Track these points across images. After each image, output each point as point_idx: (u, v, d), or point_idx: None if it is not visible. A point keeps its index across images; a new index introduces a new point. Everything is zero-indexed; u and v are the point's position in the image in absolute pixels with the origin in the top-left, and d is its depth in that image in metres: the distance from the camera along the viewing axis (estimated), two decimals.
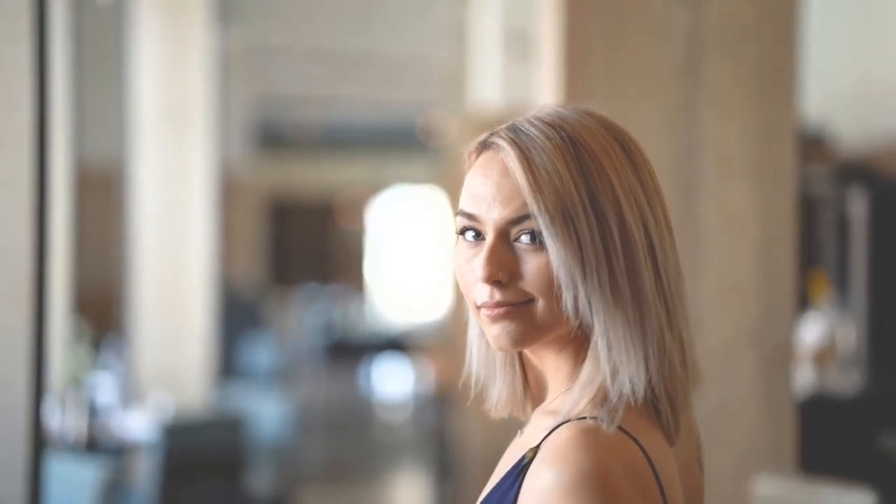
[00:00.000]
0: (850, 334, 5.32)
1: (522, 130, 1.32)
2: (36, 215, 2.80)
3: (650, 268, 1.27)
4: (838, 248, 5.90)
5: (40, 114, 2.79)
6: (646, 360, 1.25)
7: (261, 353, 10.21)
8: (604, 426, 1.20)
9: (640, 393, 1.23)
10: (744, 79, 3.16)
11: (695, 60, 3.16)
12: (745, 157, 3.15)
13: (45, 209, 2.95)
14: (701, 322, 3.06)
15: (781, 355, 3.14)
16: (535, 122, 1.32)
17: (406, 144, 18.33)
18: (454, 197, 10.69)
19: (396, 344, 13.91)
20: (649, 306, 1.26)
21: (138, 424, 5.82)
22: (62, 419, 5.69)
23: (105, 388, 6.13)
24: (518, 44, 6.54)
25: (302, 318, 15.55)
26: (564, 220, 1.25)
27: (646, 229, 1.28)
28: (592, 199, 1.26)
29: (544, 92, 3.61)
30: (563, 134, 1.29)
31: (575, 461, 1.16)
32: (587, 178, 1.26)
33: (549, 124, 1.31)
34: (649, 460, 1.20)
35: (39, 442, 2.98)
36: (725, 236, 3.16)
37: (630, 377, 1.24)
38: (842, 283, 5.79)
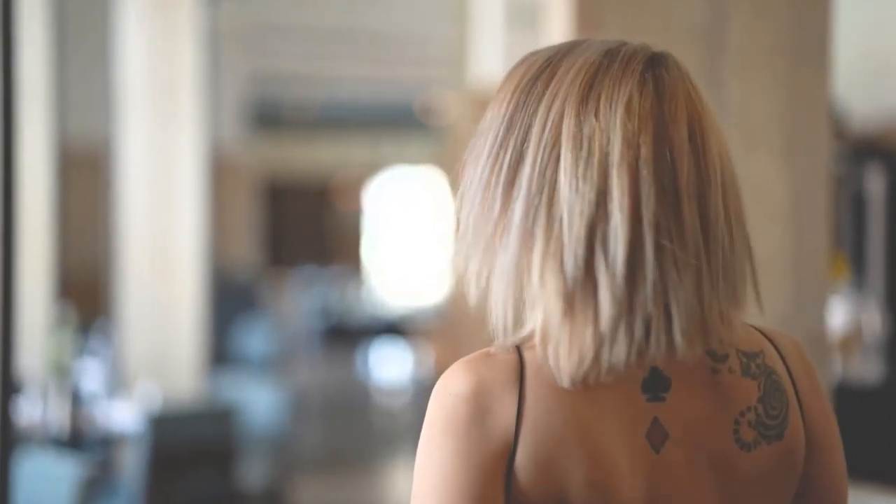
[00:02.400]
0: (874, 319, 5.09)
1: None
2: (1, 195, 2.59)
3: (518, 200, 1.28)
4: (855, 229, 5.72)
5: (5, 88, 2.59)
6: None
7: (256, 339, 10.05)
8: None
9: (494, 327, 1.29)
10: (772, 42, 2.91)
11: (718, 21, 2.91)
12: (773, 127, 2.90)
13: (11, 188, 2.75)
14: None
15: (815, 343, 2.89)
16: None
17: (404, 124, 18.22)
18: (454, 177, 10.47)
19: (395, 328, 13.80)
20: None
21: (125, 415, 5.62)
22: (44, 409, 5.48)
23: (91, 375, 5.92)
24: (522, 14, 6.30)
25: (298, 301, 15.42)
26: None
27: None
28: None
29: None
30: None
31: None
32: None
33: None
34: (521, 388, 1.23)
35: (7, 438, 2.80)
36: (750, 212, 2.91)
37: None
38: (858, 264, 5.61)
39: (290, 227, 19.71)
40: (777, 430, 1.31)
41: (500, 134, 1.32)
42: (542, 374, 1.25)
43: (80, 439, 5.59)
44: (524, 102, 1.31)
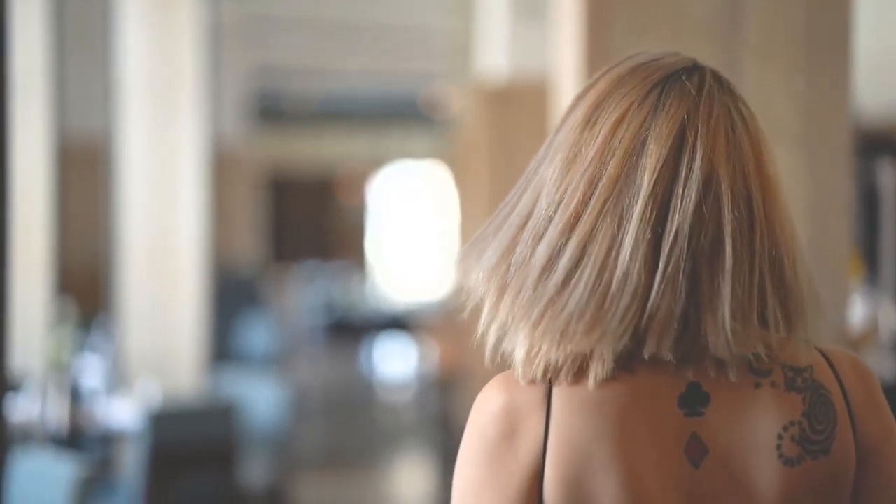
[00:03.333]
0: (889, 316, 5.00)
1: None
2: None
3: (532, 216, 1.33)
4: (866, 224, 5.64)
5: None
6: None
7: (258, 335, 9.98)
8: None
9: (524, 347, 1.29)
10: (792, 31, 2.81)
11: (733, 11, 2.82)
12: (791, 120, 2.81)
13: (5, 184, 2.69)
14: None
15: (836, 342, 2.80)
16: None
17: (408, 118, 18.17)
18: (459, 172, 10.51)
19: (399, 323, 13.75)
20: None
21: (124, 412, 5.54)
22: (43, 407, 5.41)
23: (91, 372, 5.85)
24: (528, 6, 6.21)
25: (301, 296, 15.37)
26: None
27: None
28: None
29: (561, 52, 3.29)
30: None
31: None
32: None
33: None
34: (549, 403, 1.25)
35: (2, 438, 2.74)
36: None
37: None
38: (871, 259, 5.52)
39: (293, 222, 19.66)
40: (823, 445, 1.29)
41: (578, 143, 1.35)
42: (572, 391, 1.26)
43: (79, 437, 5.54)
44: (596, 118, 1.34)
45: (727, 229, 1.26)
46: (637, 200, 1.27)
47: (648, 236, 1.26)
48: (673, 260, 1.25)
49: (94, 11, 8.15)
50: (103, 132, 7.56)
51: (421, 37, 12.51)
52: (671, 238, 1.26)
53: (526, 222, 1.33)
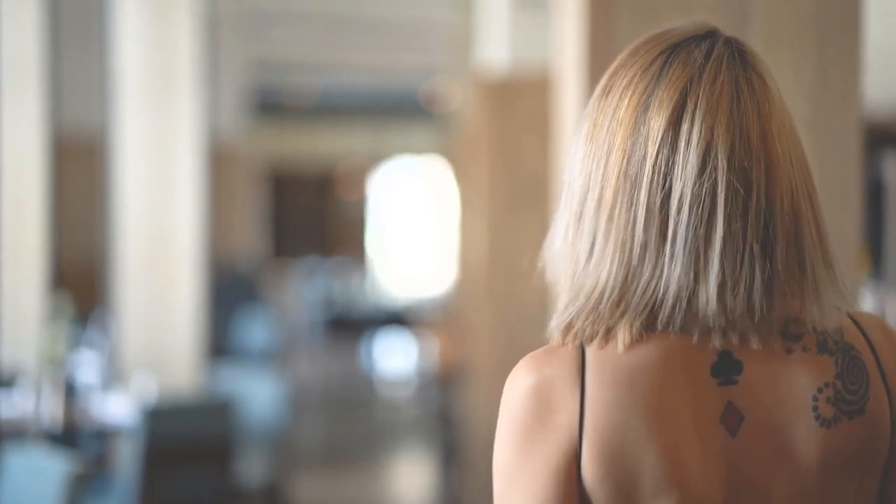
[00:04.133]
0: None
1: None
2: None
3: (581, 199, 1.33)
4: (870, 218, 5.59)
5: None
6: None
7: (257, 330, 9.93)
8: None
9: (560, 319, 1.30)
10: (801, 17, 2.74)
11: None
12: (799, 106, 2.74)
13: None
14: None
15: None
16: None
17: (408, 112, 18.12)
18: (459, 167, 10.46)
19: (399, 319, 13.71)
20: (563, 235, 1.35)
21: (120, 408, 5.48)
22: (37, 402, 5.35)
23: (87, 367, 5.79)
24: None
25: (301, 292, 15.33)
26: None
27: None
28: None
29: (564, 43, 3.22)
30: None
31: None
32: None
33: None
34: (583, 380, 1.25)
35: None
36: None
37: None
38: (876, 254, 5.47)
39: (293, 217, 19.62)
40: (858, 405, 1.30)
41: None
42: (606, 366, 1.26)
43: (74, 433, 5.48)
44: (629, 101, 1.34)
45: (720, 199, 1.26)
46: (644, 170, 1.28)
47: (658, 206, 1.27)
48: (681, 230, 1.26)
49: (90, 3, 8.08)
50: (99, 125, 7.50)
51: (421, 30, 12.45)
52: (676, 208, 1.27)
53: (569, 202, 1.35)
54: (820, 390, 1.29)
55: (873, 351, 1.33)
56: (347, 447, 9.43)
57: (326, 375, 12.95)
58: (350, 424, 10.48)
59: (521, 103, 6.06)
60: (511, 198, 5.98)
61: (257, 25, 12.78)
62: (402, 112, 18.45)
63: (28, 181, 6.27)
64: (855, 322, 1.34)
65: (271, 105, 17.09)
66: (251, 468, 6.05)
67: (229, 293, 10.63)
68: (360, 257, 19.59)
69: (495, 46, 6.61)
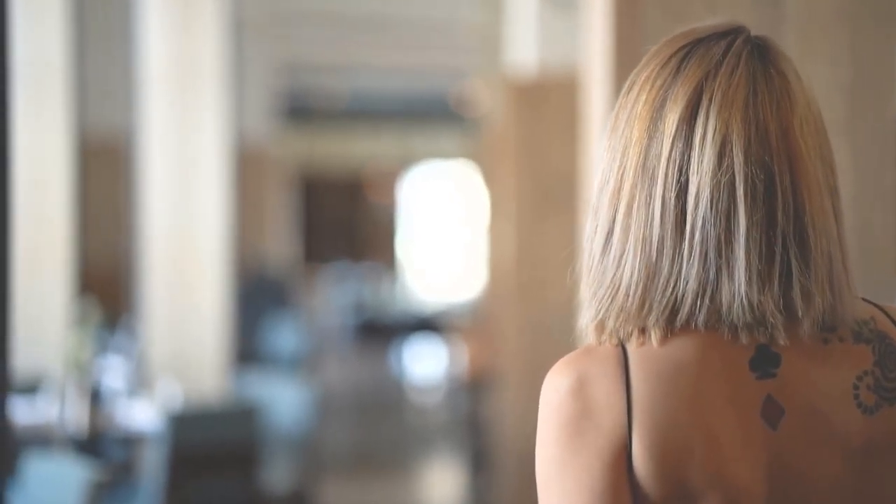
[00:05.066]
0: None
1: None
2: None
3: (611, 205, 1.32)
4: None
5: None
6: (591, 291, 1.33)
7: (287, 336, 9.89)
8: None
9: (589, 318, 1.31)
10: (833, 10, 2.66)
11: None
12: (835, 101, 2.65)
13: (7, 180, 2.62)
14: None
15: None
16: None
17: (438, 116, 18.09)
18: (488, 169, 10.40)
19: (429, 324, 13.68)
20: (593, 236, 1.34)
21: (145, 414, 5.44)
22: (62, 408, 5.31)
23: (113, 373, 5.76)
24: None
25: (331, 297, 15.31)
26: None
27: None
28: None
29: (591, 40, 3.15)
30: None
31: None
32: None
33: None
34: (627, 378, 1.26)
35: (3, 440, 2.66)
36: None
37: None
38: None
39: (322, 222, 19.61)
40: None
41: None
42: (649, 362, 1.27)
43: (99, 439, 5.44)
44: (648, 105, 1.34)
45: (739, 192, 1.26)
46: (660, 165, 1.29)
47: (674, 201, 1.27)
48: (699, 225, 1.27)
49: (115, 6, 8.08)
50: (125, 128, 7.48)
51: (451, 31, 12.40)
52: (693, 203, 1.27)
53: (592, 195, 1.36)
54: (860, 378, 1.30)
55: None
56: (376, 452, 9.39)
57: (356, 381, 12.93)
58: (379, 430, 10.44)
59: (550, 104, 5.99)
60: (539, 200, 5.91)
61: (286, 28, 12.77)
62: (432, 115, 18.41)
63: (53, 185, 6.25)
64: (884, 311, 1.35)
65: (300, 108, 17.08)
66: (277, 474, 6.02)
67: (259, 298, 10.62)
68: (389, 262, 19.57)
69: (524, 47, 6.54)
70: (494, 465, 7.22)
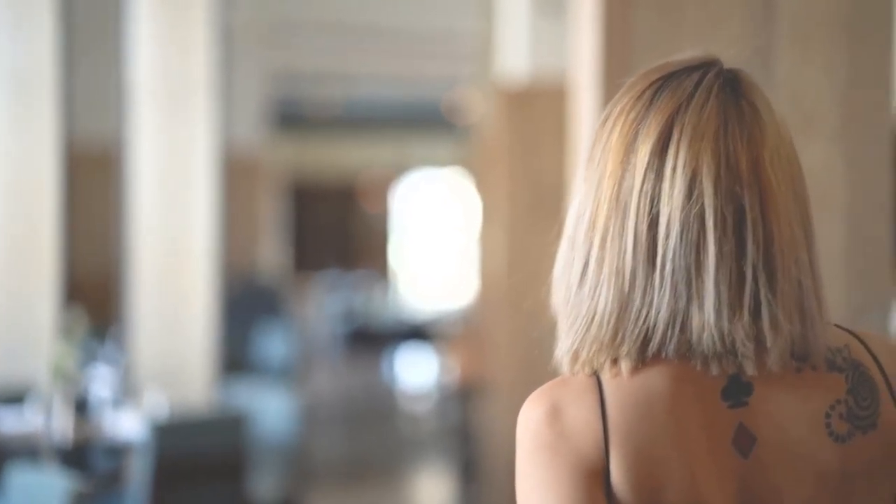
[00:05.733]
0: None
1: None
2: None
3: (581, 237, 1.35)
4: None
5: None
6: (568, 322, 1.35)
7: (278, 344, 9.85)
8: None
9: (564, 348, 1.35)
10: (831, 14, 2.61)
11: None
12: (827, 108, 2.61)
13: None
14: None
15: None
16: None
17: (430, 124, 18.07)
18: (480, 176, 10.36)
19: (421, 332, 13.65)
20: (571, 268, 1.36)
21: (132, 423, 5.39)
22: (48, 418, 5.26)
23: (101, 383, 5.70)
24: (547, 1, 6.06)
25: (323, 305, 15.28)
26: None
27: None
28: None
29: (580, 44, 3.12)
30: None
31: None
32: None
33: None
34: (603, 406, 1.28)
35: None
36: None
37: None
38: None
39: (315, 230, 19.56)
40: (870, 419, 1.32)
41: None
42: (623, 391, 1.30)
43: (85, 449, 5.38)
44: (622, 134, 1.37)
45: (709, 224, 1.28)
46: (632, 197, 1.31)
47: (645, 233, 1.29)
48: (669, 257, 1.29)
49: (104, 14, 8.02)
50: (114, 136, 7.43)
51: (443, 39, 12.38)
52: (664, 234, 1.29)
53: (567, 226, 1.38)
54: (832, 407, 1.31)
55: (879, 366, 1.36)
56: (366, 461, 9.34)
57: (347, 389, 12.90)
58: (370, 438, 10.39)
59: (541, 111, 5.97)
60: (530, 207, 5.88)
61: (279, 36, 12.73)
62: (425, 123, 18.38)
63: (41, 193, 6.20)
64: (859, 339, 1.37)
65: (293, 116, 17.04)
66: (266, 484, 5.97)
67: (250, 307, 10.57)
68: (382, 270, 19.52)
69: (516, 54, 6.52)
70: (485, 474, 7.18)
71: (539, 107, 6.03)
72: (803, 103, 2.61)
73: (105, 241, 8.34)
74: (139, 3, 6.91)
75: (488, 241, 8.05)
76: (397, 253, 20.01)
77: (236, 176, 10.98)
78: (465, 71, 11.64)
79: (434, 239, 19.76)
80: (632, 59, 2.70)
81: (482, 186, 9.27)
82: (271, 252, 13.49)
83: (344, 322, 14.38)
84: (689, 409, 1.29)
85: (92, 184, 8.54)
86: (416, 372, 13.31)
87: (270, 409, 6.08)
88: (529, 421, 1.31)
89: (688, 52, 1.37)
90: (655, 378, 1.29)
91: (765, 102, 1.34)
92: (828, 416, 1.31)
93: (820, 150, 2.61)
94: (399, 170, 19.76)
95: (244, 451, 5.17)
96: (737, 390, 1.30)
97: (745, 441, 1.30)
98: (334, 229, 19.88)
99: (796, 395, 1.31)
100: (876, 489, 1.32)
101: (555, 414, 1.29)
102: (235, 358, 9.06)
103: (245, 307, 10.28)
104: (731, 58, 1.37)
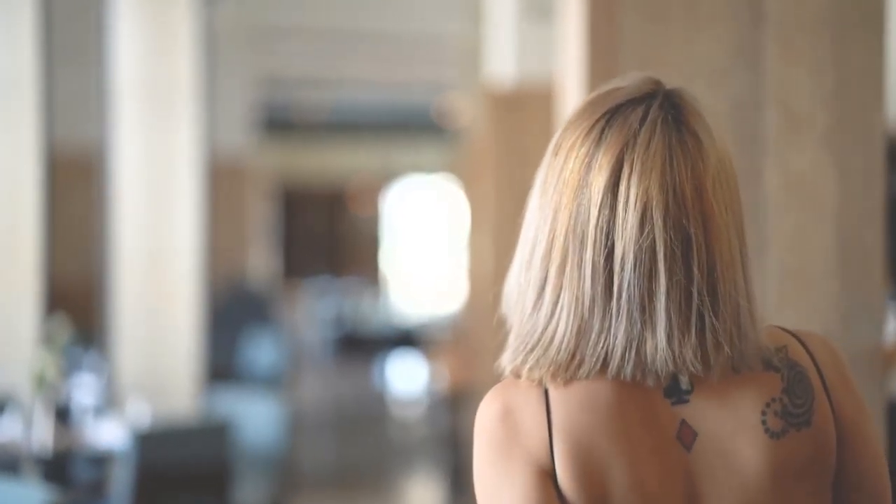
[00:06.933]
0: None
1: None
2: None
3: (534, 242, 1.45)
4: (890, 235, 5.37)
5: None
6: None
7: (267, 351, 9.77)
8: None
9: (508, 360, 1.44)
10: (819, 15, 2.55)
11: None
12: (818, 112, 2.55)
13: None
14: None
15: (868, 359, 2.53)
16: None
17: (419, 129, 18.02)
18: (470, 185, 10.31)
19: (410, 338, 13.61)
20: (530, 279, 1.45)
21: (114, 432, 5.31)
22: (28, 428, 5.19)
23: (83, 391, 5.63)
24: (535, 6, 6.01)
25: (312, 312, 15.21)
26: None
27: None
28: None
29: (567, 47, 3.06)
30: None
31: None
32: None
33: None
34: (548, 407, 1.38)
35: None
36: (794, 209, 2.57)
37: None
38: (892, 270, 5.27)
39: (304, 236, 19.49)
40: (804, 417, 1.41)
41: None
42: (568, 392, 1.39)
43: (66, 459, 5.30)
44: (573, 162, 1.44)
45: (660, 255, 1.37)
46: (588, 230, 1.39)
47: (603, 264, 1.38)
48: (625, 286, 1.37)
49: (86, 18, 7.96)
50: (96, 142, 7.35)
51: (431, 44, 12.34)
52: (619, 266, 1.38)
53: (524, 247, 1.46)
54: (768, 405, 1.40)
55: (817, 367, 1.45)
56: (355, 468, 9.29)
57: (337, 395, 12.84)
58: (359, 444, 10.34)
59: (528, 115, 5.91)
60: (518, 212, 5.80)
61: (265, 41, 12.68)
62: (414, 128, 18.34)
63: (23, 200, 6.12)
64: (799, 340, 1.46)
65: (281, 121, 16.98)
66: (251, 493, 5.89)
67: (239, 313, 10.50)
68: (371, 276, 19.46)
69: (503, 59, 6.48)
70: (472, 481, 7.10)
71: (526, 111, 5.98)
72: (792, 106, 2.55)
73: (88, 248, 8.27)
74: (121, 7, 6.84)
75: (476, 246, 7.99)
76: (386, 259, 19.95)
77: (223, 181, 10.91)
78: (453, 76, 11.59)
79: (423, 245, 19.70)
80: (618, 63, 2.65)
81: (470, 192, 9.22)
82: (260, 258, 13.41)
83: (333, 328, 14.33)
84: (634, 407, 1.38)
85: (74, 189, 8.47)
86: (406, 378, 13.26)
87: (258, 417, 6.01)
88: (484, 419, 1.41)
89: (629, 76, 1.46)
90: (600, 382, 1.38)
91: (705, 128, 1.42)
92: (763, 413, 1.40)
93: (809, 154, 2.55)
94: (387, 175, 19.71)
95: (229, 460, 5.09)
96: (678, 389, 1.40)
97: (687, 435, 1.39)
98: (323, 235, 19.82)
99: (734, 394, 1.40)
100: (810, 486, 1.41)
101: (506, 413, 1.39)
102: (224, 365, 8.99)
103: (234, 314, 10.21)
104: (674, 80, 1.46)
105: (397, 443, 10.43)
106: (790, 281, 2.64)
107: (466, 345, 8.70)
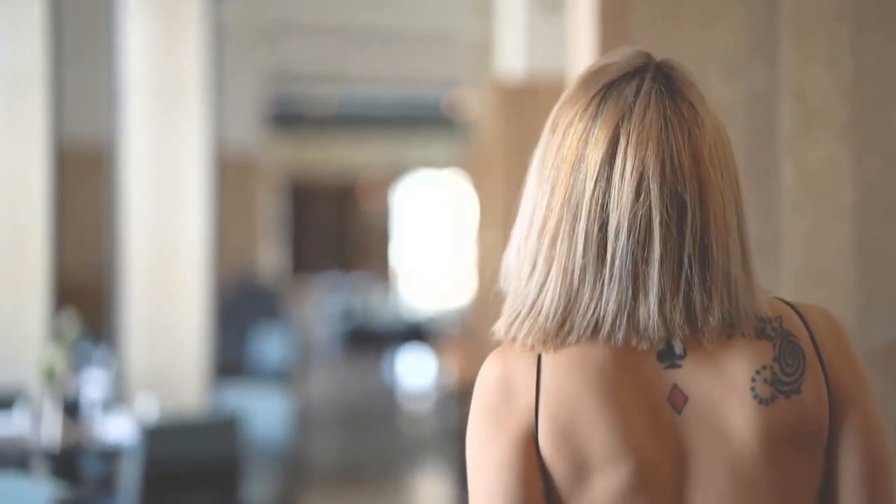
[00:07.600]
0: None
1: None
2: None
3: (532, 212, 1.49)
4: None
5: None
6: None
7: (276, 347, 9.78)
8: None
9: (503, 327, 1.48)
10: (833, 4, 2.52)
11: None
12: (836, 105, 2.52)
13: None
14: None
15: (885, 359, 2.50)
16: None
17: (429, 124, 18.00)
18: (479, 179, 10.30)
19: (420, 333, 13.62)
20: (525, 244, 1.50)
21: (122, 428, 5.31)
22: (36, 423, 5.18)
23: (92, 387, 5.62)
24: (546, 0, 6.00)
25: (321, 307, 15.23)
26: None
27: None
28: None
29: (577, 40, 3.04)
30: None
31: None
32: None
33: None
34: (538, 372, 1.43)
35: None
36: (810, 204, 2.54)
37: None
38: None
39: (313, 230, 19.49)
40: (793, 385, 1.44)
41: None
42: (560, 355, 1.43)
43: (75, 454, 5.31)
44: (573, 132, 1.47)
45: (655, 223, 1.40)
46: (583, 202, 1.42)
47: (596, 233, 1.41)
48: (618, 254, 1.41)
49: (95, 13, 7.95)
50: (105, 137, 7.35)
51: (441, 39, 12.33)
52: (613, 234, 1.41)
53: (521, 225, 1.51)
54: (758, 372, 1.43)
55: (812, 338, 1.46)
56: (364, 463, 9.29)
57: (346, 390, 12.86)
58: (368, 440, 10.34)
59: (538, 109, 5.87)
60: None
61: (275, 36, 12.69)
62: (423, 123, 18.33)
63: (32, 196, 6.12)
64: (797, 311, 1.48)
65: (291, 116, 16.98)
66: (260, 488, 5.90)
67: (248, 309, 10.51)
68: (381, 271, 19.46)
69: (513, 53, 6.46)
70: None
71: (536, 106, 5.95)
72: (808, 99, 2.52)
73: (97, 243, 8.27)
74: (131, 3, 6.85)
75: (485, 240, 7.98)
76: (396, 254, 19.95)
77: (232, 176, 10.91)
78: (462, 70, 11.57)
79: (432, 240, 19.71)
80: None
81: (479, 186, 9.21)
82: (269, 253, 13.42)
83: (342, 323, 14.34)
84: (623, 370, 1.42)
85: (83, 185, 8.47)
86: (415, 373, 13.27)
87: (266, 412, 6.00)
88: (481, 382, 1.47)
89: (619, 51, 1.49)
90: (591, 347, 1.42)
91: (699, 96, 1.45)
92: (753, 380, 1.42)
93: (826, 147, 2.53)
94: (397, 170, 19.71)
95: (237, 455, 5.09)
96: (671, 353, 1.43)
97: (678, 399, 1.43)
98: (332, 230, 19.83)
99: (725, 360, 1.43)
100: (799, 453, 1.43)
101: (502, 375, 1.45)
102: (233, 360, 8.99)
103: (242, 309, 10.22)
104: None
105: (406, 437, 10.43)
106: (805, 276, 2.62)
107: (475, 340, 8.69)
